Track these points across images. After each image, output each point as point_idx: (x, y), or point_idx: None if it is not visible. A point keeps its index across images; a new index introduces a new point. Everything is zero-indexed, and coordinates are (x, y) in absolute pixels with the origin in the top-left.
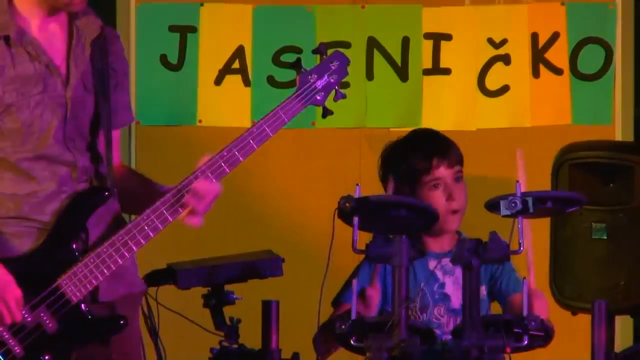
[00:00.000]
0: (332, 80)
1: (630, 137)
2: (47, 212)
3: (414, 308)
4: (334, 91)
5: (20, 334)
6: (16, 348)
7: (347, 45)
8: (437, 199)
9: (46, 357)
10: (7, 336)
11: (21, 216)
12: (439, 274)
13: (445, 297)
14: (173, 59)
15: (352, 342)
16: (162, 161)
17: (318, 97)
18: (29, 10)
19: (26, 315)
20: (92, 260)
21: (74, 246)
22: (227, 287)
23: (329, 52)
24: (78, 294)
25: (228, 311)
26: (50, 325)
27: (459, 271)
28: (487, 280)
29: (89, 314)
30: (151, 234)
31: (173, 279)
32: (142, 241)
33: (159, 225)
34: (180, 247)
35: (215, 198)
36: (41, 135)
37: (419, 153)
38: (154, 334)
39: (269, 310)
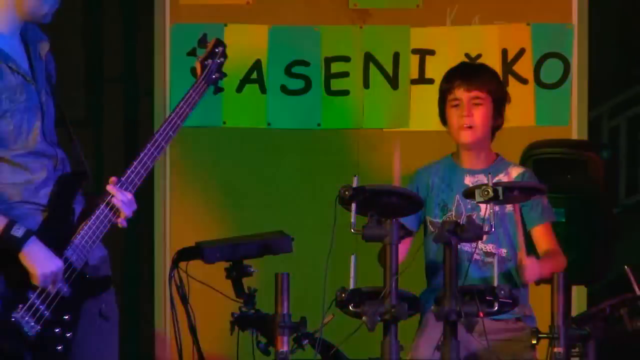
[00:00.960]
0: (218, 61)
1: (584, 136)
2: (42, 195)
3: (451, 215)
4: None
5: (46, 301)
6: (45, 312)
7: (347, 59)
8: (454, 115)
9: (66, 317)
10: (38, 303)
11: (23, 200)
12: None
13: (476, 207)
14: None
15: (350, 307)
16: (192, 157)
17: (213, 77)
18: None
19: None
20: (85, 232)
21: (70, 222)
22: (246, 262)
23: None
24: (80, 262)
25: (246, 282)
26: (65, 290)
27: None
28: (523, 205)
29: (89, 277)
30: (116, 219)
31: (200, 255)
32: (115, 220)
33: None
34: (206, 228)
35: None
36: (29, 135)
37: (448, 76)
38: (185, 301)
39: (280, 281)
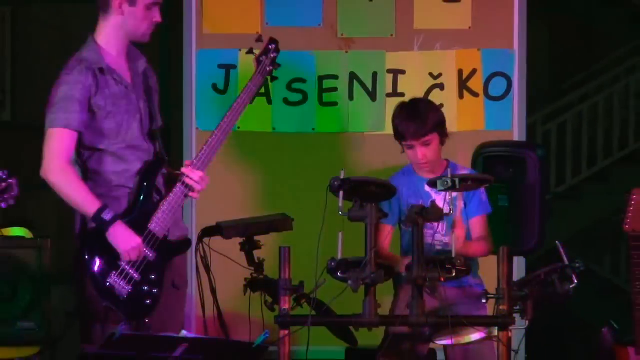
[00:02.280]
0: (272, 55)
1: (523, 138)
2: (134, 182)
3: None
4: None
5: (135, 266)
6: (135, 275)
7: (336, 77)
8: (411, 155)
9: (153, 277)
10: (128, 268)
11: (120, 185)
12: (431, 192)
13: None
14: (221, 87)
15: (338, 274)
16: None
17: (268, 69)
18: (107, 49)
19: None
20: (165, 207)
21: (153, 199)
22: (256, 238)
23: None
24: (162, 231)
25: (256, 253)
26: (150, 255)
27: (444, 193)
28: (465, 199)
29: (169, 243)
30: (190, 193)
31: (220, 232)
32: (190, 194)
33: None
34: (224, 211)
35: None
36: (127, 133)
37: (399, 131)
38: (207, 269)
39: (283, 253)
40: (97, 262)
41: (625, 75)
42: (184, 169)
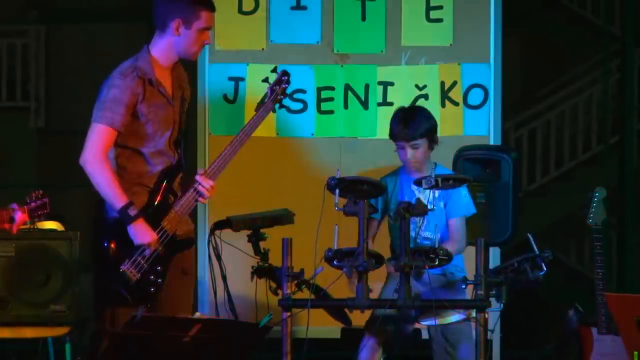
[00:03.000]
0: (284, 86)
1: (499, 142)
2: (153, 182)
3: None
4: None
5: (145, 257)
6: (144, 265)
7: (332, 88)
8: (401, 154)
9: (159, 268)
10: (140, 258)
11: (140, 183)
12: (416, 191)
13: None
14: (230, 97)
15: (334, 262)
16: None
17: (280, 97)
18: (159, 61)
19: None
20: (177, 209)
21: (168, 200)
22: (262, 230)
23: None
24: (172, 229)
25: (262, 244)
26: (160, 249)
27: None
28: (443, 199)
29: (177, 239)
30: (199, 198)
31: (230, 225)
32: (199, 199)
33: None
34: (234, 207)
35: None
36: (159, 140)
37: (392, 132)
38: (219, 258)
39: (286, 244)
40: (114, 250)
41: (589, 86)
42: (197, 177)
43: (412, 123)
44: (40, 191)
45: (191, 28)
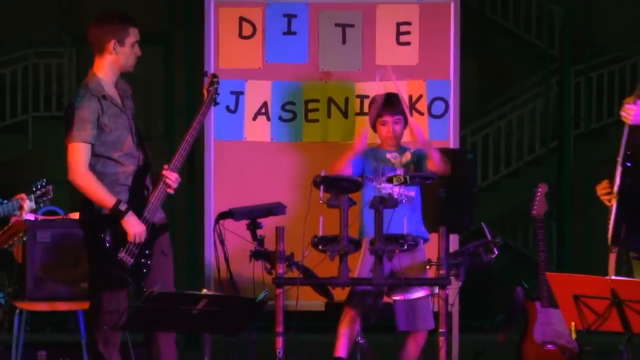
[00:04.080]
0: (216, 86)
1: (457, 146)
2: (130, 180)
3: (380, 176)
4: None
5: (137, 245)
6: (136, 251)
7: (317, 101)
8: (384, 130)
9: (147, 252)
10: (132, 246)
11: (120, 183)
12: (391, 158)
13: (393, 170)
14: (232, 108)
15: (320, 247)
16: (227, 158)
17: (215, 96)
18: (104, 79)
19: None
20: (153, 200)
21: (144, 194)
22: (259, 220)
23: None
24: (152, 218)
25: (259, 232)
26: (145, 236)
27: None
28: (415, 166)
29: (156, 226)
30: (168, 189)
31: (232, 216)
32: (168, 190)
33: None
34: (235, 200)
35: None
36: (124, 144)
37: (378, 110)
38: (222, 243)
39: (278, 232)
40: (111, 241)
41: (533, 99)
42: (164, 171)
43: (396, 102)
44: (44, 180)
45: (125, 44)
